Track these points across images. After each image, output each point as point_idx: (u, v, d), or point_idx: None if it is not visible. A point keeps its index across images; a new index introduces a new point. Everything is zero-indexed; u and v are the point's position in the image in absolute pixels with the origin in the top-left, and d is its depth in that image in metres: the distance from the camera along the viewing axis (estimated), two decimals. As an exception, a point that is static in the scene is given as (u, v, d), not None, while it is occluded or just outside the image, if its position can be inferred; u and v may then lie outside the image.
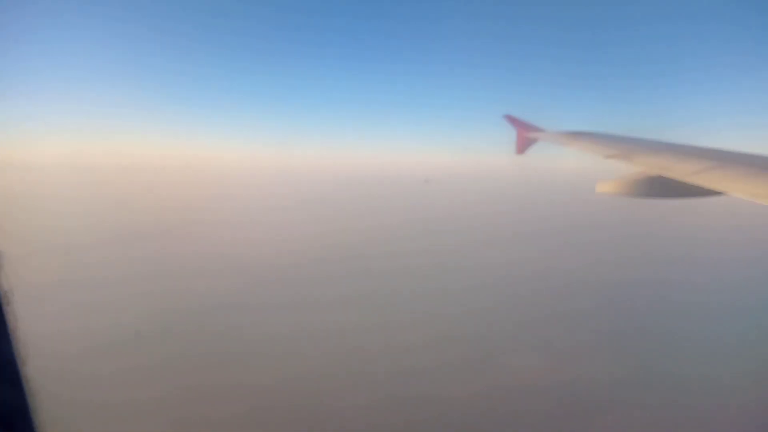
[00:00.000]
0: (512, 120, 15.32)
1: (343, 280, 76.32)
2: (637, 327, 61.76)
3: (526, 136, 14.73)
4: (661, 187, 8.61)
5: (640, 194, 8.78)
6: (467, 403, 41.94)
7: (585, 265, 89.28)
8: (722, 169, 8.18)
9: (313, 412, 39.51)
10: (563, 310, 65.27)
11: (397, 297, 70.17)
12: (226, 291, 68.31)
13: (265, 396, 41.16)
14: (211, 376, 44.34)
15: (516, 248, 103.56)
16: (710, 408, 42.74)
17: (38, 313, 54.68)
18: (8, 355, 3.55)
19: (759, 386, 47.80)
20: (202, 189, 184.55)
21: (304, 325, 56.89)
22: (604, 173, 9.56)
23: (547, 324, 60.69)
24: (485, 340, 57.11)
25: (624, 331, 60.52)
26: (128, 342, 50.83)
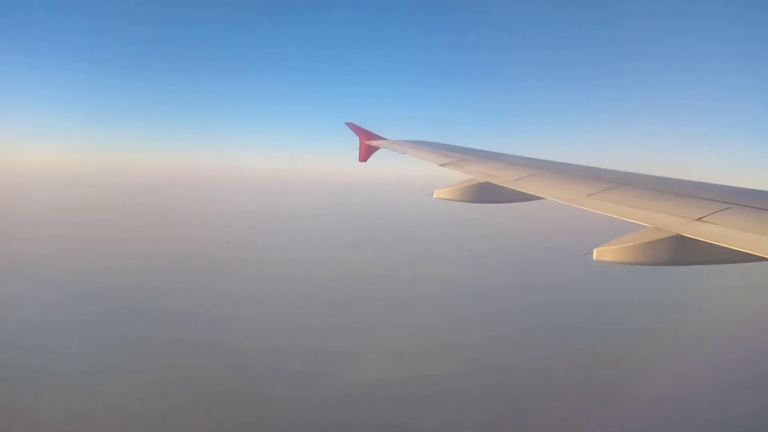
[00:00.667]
0: (354, 127, 15.56)
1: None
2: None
3: (368, 143, 15.02)
4: (489, 193, 9.27)
5: (472, 199, 9.36)
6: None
7: (405, 262, 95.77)
8: (541, 176, 9.06)
9: None
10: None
11: (231, 301, 68.49)
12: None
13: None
14: None
15: (357, 250, 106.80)
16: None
17: None
18: None
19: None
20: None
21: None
22: (442, 180, 10.12)
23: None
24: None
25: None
26: None
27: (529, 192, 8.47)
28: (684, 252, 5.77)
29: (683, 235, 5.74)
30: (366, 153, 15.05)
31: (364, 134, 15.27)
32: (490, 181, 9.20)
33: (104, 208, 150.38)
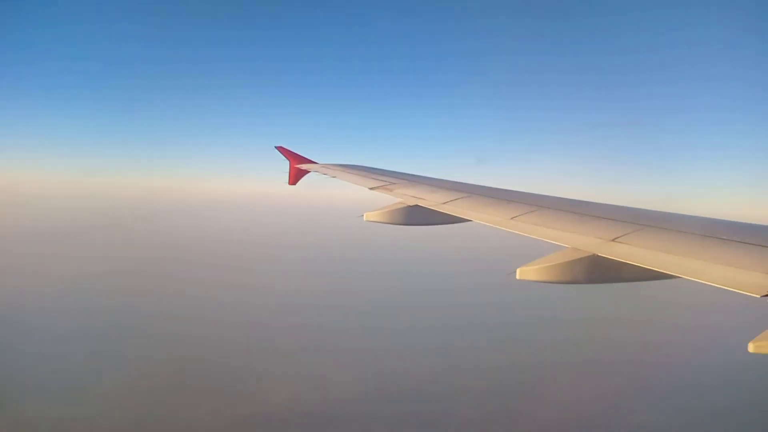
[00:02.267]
0: (284, 151, 15.46)
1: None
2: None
3: (297, 167, 14.97)
4: (418, 216, 9.48)
5: (401, 222, 9.53)
6: None
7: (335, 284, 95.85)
8: (468, 199, 9.35)
9: None
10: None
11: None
12: None
13: None
14: None
15: (287, 272, 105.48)
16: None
17: None
18: None
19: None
20: None
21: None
22: (372, 204, 10.23)
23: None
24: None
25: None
26: None
27: (456, 215, 8.73)
28: (600, 271, 6.13)
29: (599, 254, 6.11)
30: (296, 176, 14.98)
31: (294, 158, 15.21)
32: (419, 204, 9.41)
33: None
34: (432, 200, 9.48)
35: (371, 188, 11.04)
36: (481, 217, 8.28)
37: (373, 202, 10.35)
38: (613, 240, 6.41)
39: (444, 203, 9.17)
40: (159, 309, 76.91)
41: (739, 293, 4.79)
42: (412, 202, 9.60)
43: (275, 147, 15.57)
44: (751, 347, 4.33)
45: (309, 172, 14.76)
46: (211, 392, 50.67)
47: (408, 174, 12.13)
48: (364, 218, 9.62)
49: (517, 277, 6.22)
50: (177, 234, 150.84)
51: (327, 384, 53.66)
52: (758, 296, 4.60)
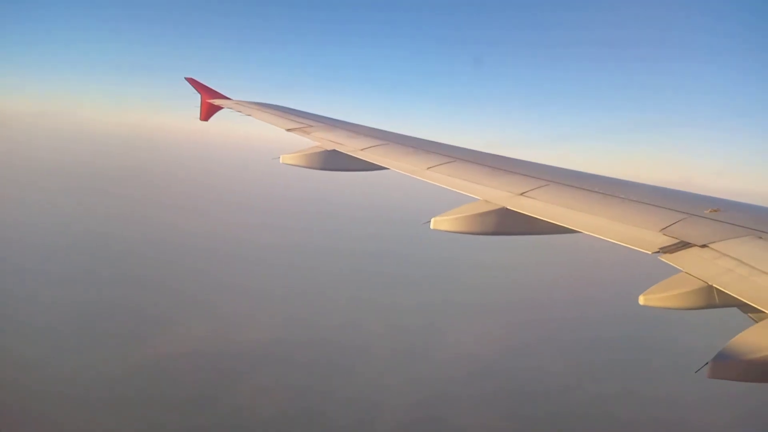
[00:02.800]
0: (196, 84, 14.56)
1: None
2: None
3: (210, 102, 14.19)
4: (335, 161, 9.32)
5: (318, 166, 9.35)
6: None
7: (247, 228, 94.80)
8: (386, 147, 9.29)
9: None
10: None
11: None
12: None
13: None
14: None
15: (201, 212, 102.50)
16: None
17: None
18: None
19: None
20: None
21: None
22: (289, 145, 9.94)
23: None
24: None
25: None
26: None
27: (374, 162, 8.66)
28: (509, 223, 6.35)
29: (508, 207, 6.30)
30: (208, 112, 14.19)
31: (207, 92, 14.36)
32: (337, 149, 9.25)
33: None
34: (350, 146, 9.34)
35: (288, 129, 10.70)
36: (399, 166, 8.27)
37: (289, 144, 10.07)
38: (521, 194, 6.62)
39: (362, 150, 9.06)
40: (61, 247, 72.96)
41: (633, 249, 5.12)
42: (329, 146, 9.41)
43: (185, 78, 14.63)
44: (641, 300, 4.66)
45: (222, 108, 14.05)
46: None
47: (327, 117, 11.85)
48: (281, 160, 9.34)
49: (431, 227, 6.32)
50: (77, 167, 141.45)
51: (249, 324, 53.50)
52: (650, 253, 4.93)
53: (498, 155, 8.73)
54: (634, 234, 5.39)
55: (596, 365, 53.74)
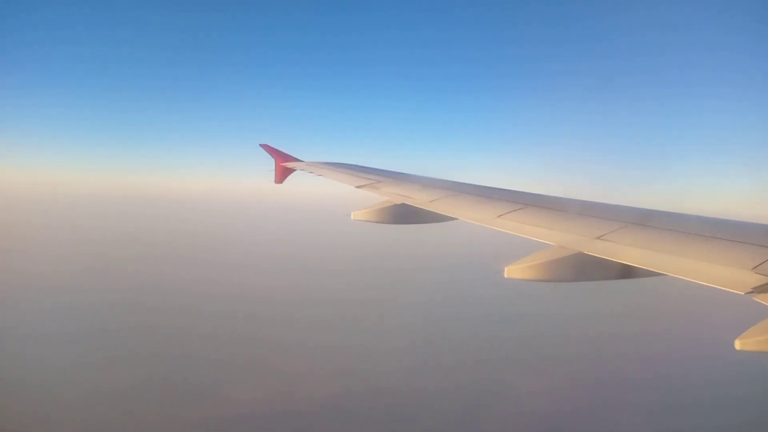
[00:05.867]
0: (268, 149, 15.33)
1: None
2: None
3: (283, 165, 14.85)
4: (405, 214, 9.44)
5: (388, 221, 9.48)
6: None
7: (329, 283, 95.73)
8: (455, 197, 9.34)
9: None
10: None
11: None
12: None
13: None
14: None
15: (283, 272, 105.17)
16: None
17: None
18: None
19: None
20: None
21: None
22: (359, 202, 10.16)
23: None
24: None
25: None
26: None
27: (443, 213, 8.71)
28: (586, 268, 6.14)
29: (584, 252, 6.12)
30: (282, 175, 14.85)
31: (279, 156, 15.08)
32: (406, 202, 9.38)
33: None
34: (419, 198, 9.45)
35: (358, 186, 10.97)
36: (468, 215, 8.27)
37: (359, 201, 10.30)
38: (598, 238, 6.43)
39: (431, 201, 9.14)
40: (150, 305, 76.63)
41: (723, 290, 4.82)
42: (398, 200, 9.55)
43: (260, 145, 15.44)
44: (737, 344, 4.35)
45: (295, 170, 14.65)
46: (194, 389, 50.38)
47: (394, 172, 12.09)
48: (352, 217, 9.56)
49: (505, 275, 6.22)
50: (165, 232, 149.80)
51: (315, 380, 53.54)
52: (742, 293, 4.63)
53: (569, 198, 8.56)
54: (724, 273, 5.08)
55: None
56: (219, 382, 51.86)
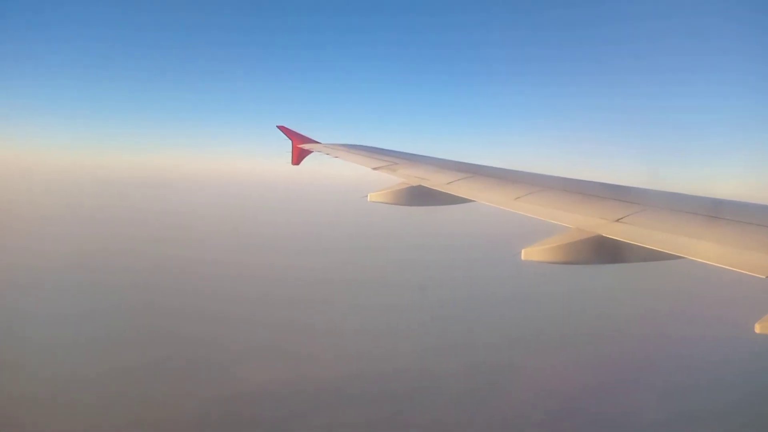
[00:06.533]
0: (285, 130, 15.35)
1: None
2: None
3: (300, 147, 14.88)
4: (422, 196, 9.42)
5: (405, 202, 9.48)
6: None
7: (346, 264, 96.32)
8: (472, 179, 9.29)
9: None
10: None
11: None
12: None
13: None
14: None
15: (300, 252, 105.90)
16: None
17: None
18: None
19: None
20: None
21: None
22: (376, 183, 10.17)
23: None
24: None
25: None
26: None
27: (460, 195, 8.67)
28: (604, 251, 6.09)
29: (603, 235, 6.07)
30: (299, 156, 14.91)
31: (297, 137, 15.11)
32: (423, 184, 9.35)
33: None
34: (435, 180, 9.42)
35: (374, 168, 10.97)
36: (485, 198, 8.23)
37: (376, 182, 10.30)
38: (617, 220, 6.37)
39: (448, 183, 9.11)
40: (163, 285, 77.73)
41: (744, 274, 4.76)
42: (415, 182, 9.54)
43: (277, 126, 15.47)
44: (757, 328, 4.31)
45: (312, 152, 14.68)
46: (197, 369, 51.20)
47: (411, 154, 12.05)
48: (368, 199, 9.57)
49: (522, 257, 6.20)
50: (181, 214, 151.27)
51: (330, 362, 54.05)
52: (763, 277, 4.56)
53: (587, 181, 8.46)
54: (746, 257, 5.01)
55: (711, 414, 46.91)
56: (229, 362, 52.54)
